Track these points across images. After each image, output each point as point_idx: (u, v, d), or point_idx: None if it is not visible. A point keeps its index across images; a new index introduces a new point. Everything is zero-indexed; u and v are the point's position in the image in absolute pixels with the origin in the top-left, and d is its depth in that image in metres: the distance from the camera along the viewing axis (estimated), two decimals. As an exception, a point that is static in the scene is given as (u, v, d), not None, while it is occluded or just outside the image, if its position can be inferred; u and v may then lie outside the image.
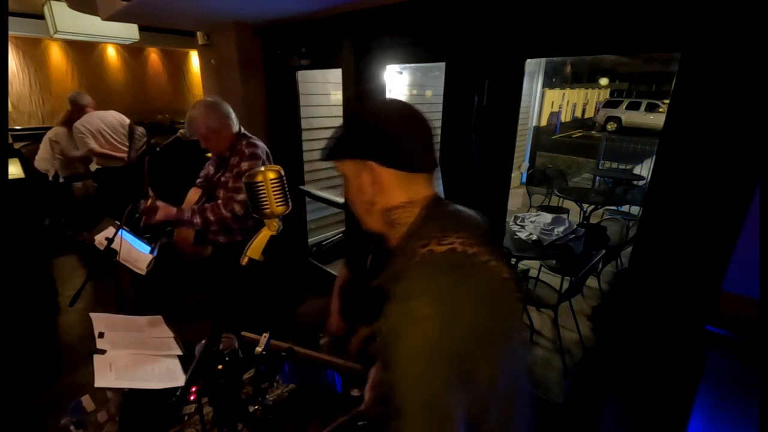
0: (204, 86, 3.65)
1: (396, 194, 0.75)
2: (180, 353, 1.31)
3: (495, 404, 0.68)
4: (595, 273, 3.32)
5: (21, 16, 5.28)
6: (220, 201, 1.91)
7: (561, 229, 2.82)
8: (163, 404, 1.21)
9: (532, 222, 3.00)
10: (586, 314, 3.09)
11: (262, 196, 1.03)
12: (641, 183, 5.18)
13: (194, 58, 7.91)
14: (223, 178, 1.96)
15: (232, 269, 1.07)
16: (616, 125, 15.41)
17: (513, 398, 0.72)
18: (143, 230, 1.73)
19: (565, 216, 3.16)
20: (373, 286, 0.72)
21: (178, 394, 1.13)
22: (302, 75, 3.21)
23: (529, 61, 1.81)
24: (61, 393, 2.12)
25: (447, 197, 1.01)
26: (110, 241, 1.49)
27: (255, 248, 1.04)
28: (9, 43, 5.80)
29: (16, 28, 5.40)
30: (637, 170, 6.96)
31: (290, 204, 1.08)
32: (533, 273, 3.26)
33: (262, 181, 1.02)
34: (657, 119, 13.90)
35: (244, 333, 1.45)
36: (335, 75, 3.35)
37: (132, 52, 7.22)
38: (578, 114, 20.44)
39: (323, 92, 3.64)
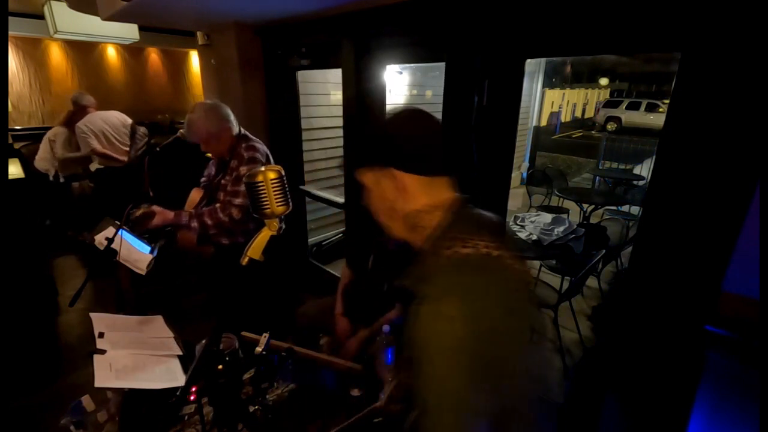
0: (204, 86, 3.65)
1: (418, 198, 0.76)
2: (180, 353, 1.31)
3: (519, 407, 0.69)
4: (595, 273, 3.32)
5: (21, 16, 5.28)
6: (218, 205, 1.90)
7: (561, 229, 2.82)
8: (163, 404, 1.21)
9: (532, 222, 3.00)
10: (586, 314, 3.09)
11: (263, 196, 1.03)
12: (641, 183, 5.18)
13: (194, 58, 7.91)
14: (223, 181, 1.96)
15: (233, 270, 1.07)
16: (616, 125, 15.41)
17: (535, 401, 0.74)
18: (143, 231, 1.73)
19: (565, 216, 3.16)
20: (398, 286, 0.73)
21: (178, 394, 1.13)
22: (302, 75, 3.21)
23: (529, 61, 1.81)
24: (61, 393, 2.12)
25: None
26: (110, 241, 1.49)
27: (255, 248, 1.04)
28: (9, 43, 5.80)
29: (16, 28, 5.40)
30: (637, 170, 6.96)
31: (290, 204, 1.08)
32: (533, 273, 3.26)
33: (262, 181, 1.02)
34: (657, 119, 13.91)
35: (244, 333, 1.45)
36: (335, 75, 3.35)
37: (132, 52, 7.22)
38: (578, 114, 20.45)
39: (323, 92, 3.64)
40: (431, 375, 0.63)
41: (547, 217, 3.01)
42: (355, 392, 1.36)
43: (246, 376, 1.37)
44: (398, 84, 4.53)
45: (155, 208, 1.76)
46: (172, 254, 1.92)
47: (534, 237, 2.80)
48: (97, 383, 1.07)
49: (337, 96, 3.69)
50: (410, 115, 0.78)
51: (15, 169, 3.78)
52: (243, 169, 1.89)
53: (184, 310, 2.67)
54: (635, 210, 4.80)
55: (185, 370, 1.24)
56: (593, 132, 15.95)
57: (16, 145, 4.74)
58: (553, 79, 17.70)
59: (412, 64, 4.49)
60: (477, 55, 1.72)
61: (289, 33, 2.77)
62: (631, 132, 13.41)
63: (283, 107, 3.20)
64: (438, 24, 1.86)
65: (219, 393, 1.23)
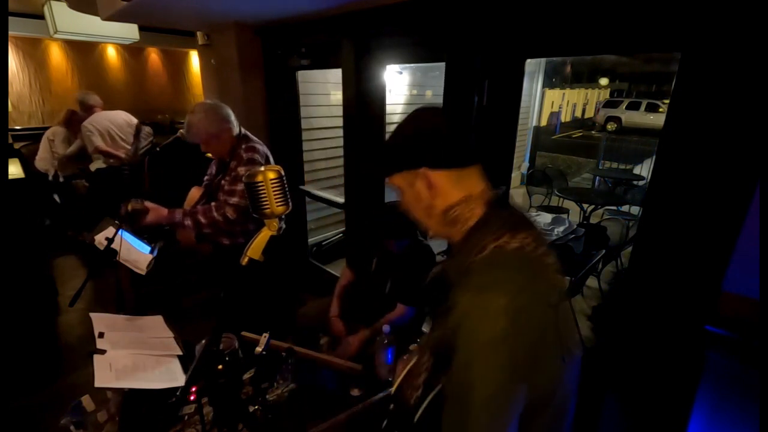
0: (204, 86, 3.65)
1: (452, 193, 0.76)
2: (180, 353, 1.31)
3: (553, 401, 0.70)
4: (595, 273, 3.32)
5: (21, 16, 5.28)
6: (213, 204, 1.90)
7: (561, 229, 2.82)
8: (163, 404, 1.21)
9: (532, 222, 2.99)
10: (586, 314, 3.09)
11: (263, 196, 1.03)
12: (641, 183, 5.19)
13: (194, 58, 7.91)
14: (222, 182, 1.96)
15: (233, 270, 1.07)
16: (616, 125, 15.41)
17: (565, 401, 0.75)
18: (142, 230, 1.72)
19: (565, 216, 3.16)
20: (434, 276, 0.74)
21: (178, 394, 1.13)
22: (302, 75, 3.21)
23: (529, 61, 1.81)
24: (61, 393, 2.12)
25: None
26: (110, 241, 1.49)
27: (255, 248, 1.04)
28: (9, 43, 5.80)
29: (16, 28, 5.40)
30: (637, 170, 6.97)
31: (290, 204, 1.08)
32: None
33: (262, 181, 1.02)
34: (657, 119, 13.90)
35: (244, 333, 1.45)
36: (335, 75, 3.35)
37: (132, 52, 7.22)
38: (578, 114, 20.44)
39: (323, 92, 3.64)
40: (471, 364, 0.63)
41: (547, 217, 3.01)
42: (355, 392, 1.36)
43: (246, 376, 1.37)
44: (398, 84, 4.53)
45: (148, 204, 1.75)
46: (171, 254, 1.92)
47: (534, 237, 2.79)
48: (97, 383, 1.07)
49: (337, 96, 3.69)
50: (424, 113, 0.79)
51: (15, 169, 3.78)
52: (241, 170, 1.88)
53: (184, 310, 2.67)
54: (635, 210, 4.80)
55: (185, 370, 1.24)
56: (593, 132, 15.95)
57: (16, 145, 4.74)
58: (553, 79, 17.69)
59: (412, 64, 4.49)
60: (477, 55, 1.72)
61: (289, 33, 2.77)
62: (631, 132, 13.43)
63: (283, 107, 3.20)
64: (438, 24, 1.86)
65: (219, 393, 1.23)
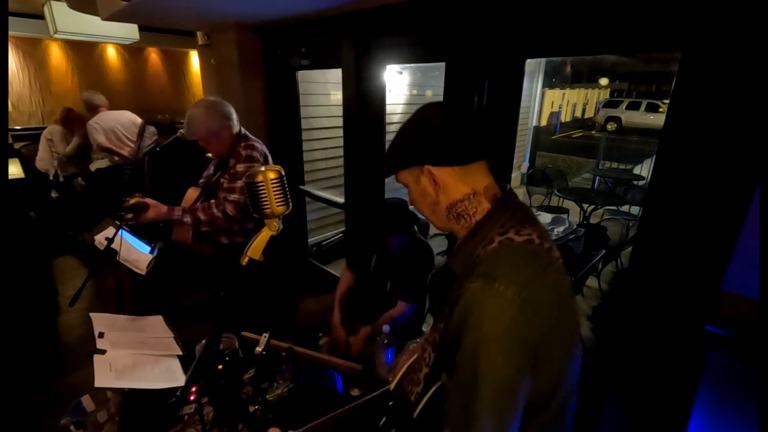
0: (204, 86, 3.65)
1: (457, 189, 0.77)
2: (180, 353, 1.31)
3: (556, 397, 0.71)
4: (595, 273, 3.32)
5: (21, 16, 5.27)
6: (213, 201, 1.90)
7: (561, 229, 2.83)
8: (163, 404, 1.21)
9: (532, 222, 2.99)
10: (586, 314, 3.09)
11: (263, 196, 1.03)
12: (641, 183, 5.19)
13: (194, 58, 7.90)
14: (222, 180, 1.96)
15: (233, 270, 1.07)
16: (616, 125, 15.41)
17: (566, 400, 0.75)
18: (142, 229, 1.72)
19: (565, 216, 3.16)
20: (437, 271, 0.74)
21: (178, 394, 1.13)
22: (302, 75, 3.21)
23: (529, 61, 1.81)
24: (61, 393, 2.12)
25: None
26: (110, 241, 1.48)
27: (255, 248, 1.04)
28: (9, 43, 5.80)
29: (16, 28, 5.40)
30: (637, 170, 6.97)
31: (290, 204, 1.08)
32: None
33: (262, 181, 1.02)
34: (657, 119, 13.90)
35: (244, 333, 1.45)
36: (335, 75, 3.35)
37: (132, 52, 7.21)
38: (578, 114, 20.44)
39: (323, 92, 3.64)
40: (479, 354, 0.63)
41: (547, 217, 3.01)
42: (355, 392, 1.36)
43: (246, 376, 1.37)
44: (398, 84, 4.53)
45: (149, 200, 1.75)
46: (171, 254, 1.92)
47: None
48: (97, 383, 1.07)
49: (337, 96, 3.69)
50: (427, 111, 0.80)
51: (15, 169, 3.78)
52: (240, 167, 1.88)
53: (184, 310, 2.67)
54: (635, 210, 4.81)
55: (185, 370, 1.24)
56: (593, 132, 15.94)
57: (16, 145, 4.74)
58: (553, 79, 17.69)
59: (412, 64, 4.49)
60: (477, 55, 1.72)
61: (289, 33, 2.77)
62: (631, 132, 13.43)
63: (283, 107, 3.20)
64: (438, 24, 1.86)
65: (219, 393, 1.23)
